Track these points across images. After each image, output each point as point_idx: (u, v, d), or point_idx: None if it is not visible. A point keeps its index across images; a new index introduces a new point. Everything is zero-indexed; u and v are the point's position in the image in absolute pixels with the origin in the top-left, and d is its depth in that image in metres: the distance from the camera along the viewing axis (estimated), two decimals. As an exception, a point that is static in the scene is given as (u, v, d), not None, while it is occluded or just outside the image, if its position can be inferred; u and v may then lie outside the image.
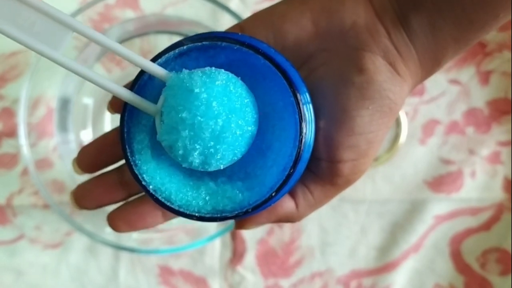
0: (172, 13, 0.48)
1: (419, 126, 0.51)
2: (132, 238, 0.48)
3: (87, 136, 0.49)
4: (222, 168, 0.24)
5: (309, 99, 0.25)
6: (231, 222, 0.46)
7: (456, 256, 0.51)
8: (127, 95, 0.25)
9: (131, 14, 0.48)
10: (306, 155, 0.25)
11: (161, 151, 0.25)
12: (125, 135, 0.25)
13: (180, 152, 0.23)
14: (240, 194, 0.25)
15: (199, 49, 0.25)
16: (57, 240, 0.50)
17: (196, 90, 0.22)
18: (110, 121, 0.49)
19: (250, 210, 0.24)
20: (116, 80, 0.49)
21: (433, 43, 0.26)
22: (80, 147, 0.47)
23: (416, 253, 0.51)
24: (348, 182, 0.28)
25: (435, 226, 0.51)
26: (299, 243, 0.51)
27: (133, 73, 0.48)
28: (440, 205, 0.51)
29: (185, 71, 0.24)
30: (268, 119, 0.25)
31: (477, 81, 0.51)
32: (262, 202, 0.24)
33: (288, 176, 0.24)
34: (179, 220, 0.49)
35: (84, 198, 0.29)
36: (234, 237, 0.50)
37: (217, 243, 0.50)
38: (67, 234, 0.50)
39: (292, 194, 0.28)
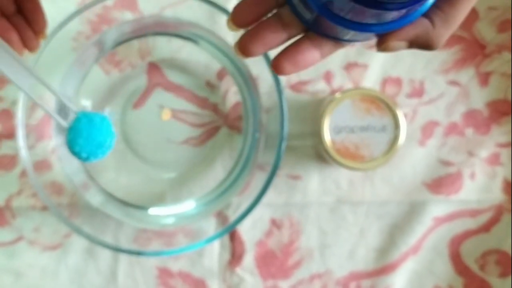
0: (170, 15, 0.48)
1: (418, 127, 0.51)
2: (131, 239, 0.48)
3: None
4: None
5: None
6: (229, 223, 0.46)
7: (456, 258, 0.51)
8: None
9: (129, 15, 0.48)
10: None
11: None
12: None
13: None
14: None
15: None
16: (56, 242, 0.50)
17: None
18: None
19: None
20: (114, 81, 0.49)
21: None
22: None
23: (415, 255, 0.51)
24: None
25: (434, 227, 0.51)
26: (298, 245, 0.51)
27: (131, 74, 0.49)
28: (439, 207, 0.51)
29: None
30: None
31: (477, 82, 0.51)
32: None
33: None
34: (178, 222, 0.49)
35: (252, 43, 0.30)
36: (232, 238, 0.51)
37: (215, 245, 0.50)
38: (65, 236, 0.50)
39: (425, 16, 0.30)
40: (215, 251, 0.50)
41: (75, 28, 0.46)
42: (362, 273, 0.51)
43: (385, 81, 0.51)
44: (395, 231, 0.51)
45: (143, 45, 0.49)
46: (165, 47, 0.49)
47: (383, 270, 0.51)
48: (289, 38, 0.31)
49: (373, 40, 0.31)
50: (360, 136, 0.47)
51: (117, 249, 0.46)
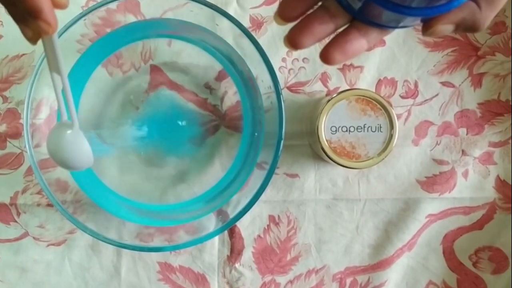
0: (171, 18, 0.48)
1: (413, 127, 0.51)
2: (133, 235, 0.48)
3: (90, 137, 0.49)
4: None
5: None
6: (229, 220, 0.46)
7: (449, 254, 0.52)
8: None
9: (132, 18, 0.48)
10: None
11: None
12: None
13: None
14: None
15: None
16: (60, 238, 0.51)
17: None
18: (110, 123, 0.49)
19: None
20: (118, 82, 0.49)
21: None
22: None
23: (409, 251, 0.51)
24: None
25: (428, 224, 0.51)
26: (296, 241, 0.51)
27: (134, 76, 0.49)
28: (433, 204, 0.51)
29: None
30: None
31: (470, 84, 0.51)
32: None
33: None
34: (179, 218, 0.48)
35: (302, 35, 0.30)
36: (232, 235, 0.51)
37: (215, 240, 0.51)
38: (70, 232, 0.50)
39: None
40: (215, 247, 0.51)
41: (79, 30, 0.46)
42: (358, 269, 0.51)
43: (380, 82, 0.51)
44: (390, 228, 0.51)
45: (146, 47, 0.49)
46: (167, 49, 0.49)
47: (378, 265, 0.51)
48: (336, 29, 0.31)
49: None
50: (356, 136, 0.47)
51: (120, 245, 0.45)
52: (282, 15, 0.30)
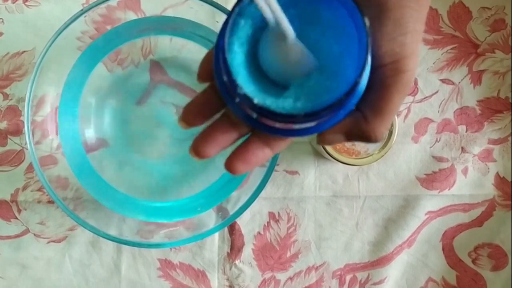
0: (171, 15, 0.48)
1: (412, 124, 0.51)
2: (133, 232, 0.48)
3: (90, 134, 0.49)
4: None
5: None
6: (229, 216, 0.46)
7: (449, 251, 0.52)
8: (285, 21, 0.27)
9: (132, 15, 0.48)
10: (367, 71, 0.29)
11: (253, 71, 0.29)
12: (231, 68, 0.28)
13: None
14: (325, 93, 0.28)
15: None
16: (60, 235, 0.51)
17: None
18: (111, 119, 0.49)
19: (342, 98, 0.27)
20: (118, 78, 0.49)
21: None
22: (84, 144, 0.48)
23: (409, 248, 0.51)
24: (400, 82, 0.29)
25: (428, 221, 0.51)
26: (296, 238, 0.51)
27: (134, 72, 0.49)
28: (432, 201, 0.51)
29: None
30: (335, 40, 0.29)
31: (470, 81, 0.51)
32: (345, 95, 0.27)
33: (356, 84, 0.27)
34: (179, 215, 0.48)
35: (205, 145, 0.31)
36: (232, 231, 0.51)
37: (215, 237, 0.51)
38: (70, 229, 0.51)
39: (358, 109, 0.31)
40: (215, 244, 0.51)
41: (79, 27, 0.46)
42: (358, 266, 0.52)
43: (380, 79, 0.51)
44: (390, 225, 0.51)
45: (146, 44, 0.49)
46: (167, 46, 0.49)
47: (378, 262, 0.51)
48: (240, 136, 0.31)
49: None
50: (355, 133, 0.47)
51: (121, 241, 0.45)
52: (186, 120, 0.32)
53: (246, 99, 0.27)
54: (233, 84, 0.27)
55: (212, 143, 0.31)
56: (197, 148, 0.31)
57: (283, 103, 0.28)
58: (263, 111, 0.27)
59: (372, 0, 0.30)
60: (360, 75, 0.27)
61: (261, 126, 0.29)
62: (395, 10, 0.29)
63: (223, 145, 0.31)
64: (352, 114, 0.30)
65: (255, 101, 0.27)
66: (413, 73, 0.30)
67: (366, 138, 0.30)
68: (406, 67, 0.29)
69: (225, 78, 0.28)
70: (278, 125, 0.29)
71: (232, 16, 0.28)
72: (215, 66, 0.29)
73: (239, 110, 0.29)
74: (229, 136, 0.31)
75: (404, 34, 0.29)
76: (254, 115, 0.28)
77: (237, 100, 0.28)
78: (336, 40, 0.29)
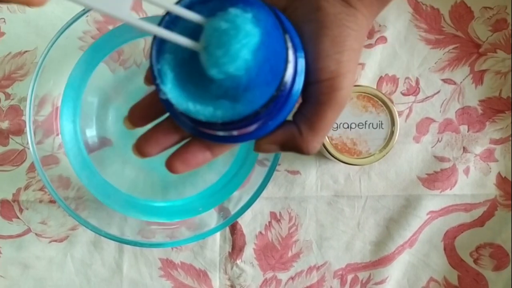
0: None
1: (414, 124, 0.51)
2: (135, 232, 0.48)
3: (92, 133, 0.49)
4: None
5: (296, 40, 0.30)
6: (230, 216, 0.46)
7: (450, 251, 0.52)
8: (175, 36, 0.28)
9: (134, 16, 0.48)
10: (297, 85, 0.30)
11: (188, 78, 0.30)
12: (156, 73, 0.29)
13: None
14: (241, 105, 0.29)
15: (202, 2, 0.29)
16: (62, 234, 0.51)
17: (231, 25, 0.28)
18: (113, 120, 0.49)
19: (259, 110, 0.28)
20: (120, 79, 0.50)
21: None
22: (85, 144, 0.48)
23: (411, 248, 0.51)
24: (334, 100, 0.30)
25: (430, 221, 0.51)
26: (297, 238, 0.51)
27: (136, 72, 0.49)
28: (434, 201, 0.51)
29: (219, 14, 0.28)
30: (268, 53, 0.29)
31: (471, 81, 0.51)
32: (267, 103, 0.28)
33: (273, 97, 0.28)
34: (181, 215, 0.49)
35: (147, 145, 0.32)
36: (233, 231, 0.51)
37: (217, 237, 0.51)
38: (72, 228, 0.51)
39: (294, 122, 0.32)
40: (217, 243, 0.51)
41: (81, 27, 0.46)
42: (359, 265, 0.52)
43: (381, 79, 0.51)
44: (391, 225, 0.51)
45: (148, 44, 0.49)
46: None
47: (379, 262, 0.51)
48: (182, 139, 0.32)
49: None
50: (357, 132, 0.47)
51: (122, 241, 0.46)
52: (131, 120, 0.33)
53: (168, 104, 0.28)
54: (157, 88, 0.29)
55: (153, 143, 0.32)
56: (139, 147, 0.32)
57: (204, 111, 0.29)
58: (184, 116, 0.29)
59: (311, 16, 0.30)
60: (278, 89, 0.28)
61: (197, 132, 0.31)
62: (333, 28, 0.30)
63: (164, 146, 0.32)
64: (288, 126, 0.31)
65: (175, 106, 0.28)
66: (348, 91, 0.30)
67: (300, 151, 0.31)
68: (341, 85, 0.30)
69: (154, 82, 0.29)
70: (202, 129, 0.30)
71: (162, 25, 0.29)
72: (150, 71, 0.30)
73: (177, 118, 0.31)
74: (170, 138, 0.32)
75: (341, 52, 0.30)
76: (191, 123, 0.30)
77: (163, 104, 0.29)
78: (262, 54, 0.29)
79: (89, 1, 0.27)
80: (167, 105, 0.29)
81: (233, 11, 0.28)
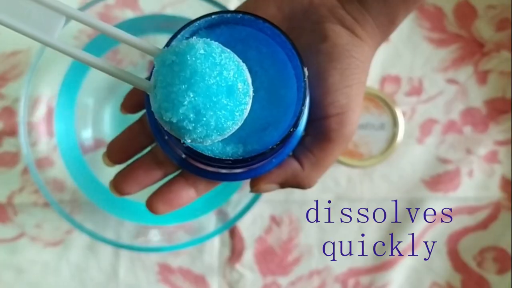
0: (170, 13, 0.48)
1: (417, 125, 0.51)
2: (132, 235, 0.48)
3: (87, 135, 0.49)
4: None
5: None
6: (229, 219, 0.46)
7: (454, 255, 0.51)
8: (120, 73, 0.26)
9: (130, 14, 0.48)
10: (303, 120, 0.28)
11: None
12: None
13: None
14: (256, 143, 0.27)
15: (208, 27, 0.27)
16: (57, 238, 0.50)
17: (188, 58, 0.23)
18: (109, 121, 0.49)
19: (274, 147, 0.26)
20: (115, 80, 0.49)
21: (385, 7, 0.30)
22: (80, 145, 0.48)
23: (413, 252, 0.51)
24: (343, 136, 0.30)
25: (433, 225, 0.51)
26: (297, 241, 0.51)
27: (132, 72, 0.49)
28: (437, 204, 0.51)
29: (173, 43, 0.25)
30: (271, 86, 0.28)
31: (475, 81, 0.51)
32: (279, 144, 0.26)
33: (289, 134, 0.26)
34: (178, 219, 0.49)
35: (125, 183, 0.31)
36: (232, 235, 0.51)
37: (216, 241, 0.51)
38: (67, 232, 0.50)
39: (295, 156, 0.31)
40: (215, 248, 0.51)
41: (76, 26, 0.46)
42: (361, 270, 0.51)
43: (384, 80, 0.51)
44: (394, 228, 0.51)
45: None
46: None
47: (381, 266, 0.51)
48: (165, 176, 0.31)
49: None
50: (358, 134, 0.47)
51: (118, 245, 0.46)
52: (110, 157, 0.31)
53: (174, 138, 0.25)
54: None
55: (133, 181, 0.30)
56: (116, 185, 0.31)
57: (213, 146, 0.27)
58: (190, 152, 0.26)
59: (318, 46, 0.29)
60: (295, 125, 0.26)
61: (189, 166, 0.29)
62: (342, 60, 0.29)
63: (144, 184, 0.31)
64: (288, 163, 0.30)
65: (182, 140, 0.25)
66: (355, 126, 0.30)
67: (301, 186, 0.31)
68: (350, 120, 0.29)
69: None
70: (203, 167, 0.28)
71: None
72: (146, 101, 0.28)
73: (168, 148, 0.28)
74: (152, 175, 0.31)
75: (350, 86, 0.29)
76: (183, 155, 0.28)
77: (166, 137, 0.27)
78: (274, 88, 0.28)
79: (14, 22, 0.25)
80: (158, 134, 0.27)
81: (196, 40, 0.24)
